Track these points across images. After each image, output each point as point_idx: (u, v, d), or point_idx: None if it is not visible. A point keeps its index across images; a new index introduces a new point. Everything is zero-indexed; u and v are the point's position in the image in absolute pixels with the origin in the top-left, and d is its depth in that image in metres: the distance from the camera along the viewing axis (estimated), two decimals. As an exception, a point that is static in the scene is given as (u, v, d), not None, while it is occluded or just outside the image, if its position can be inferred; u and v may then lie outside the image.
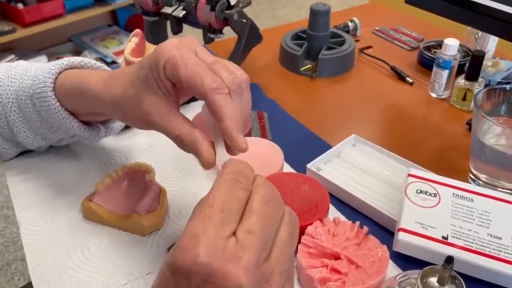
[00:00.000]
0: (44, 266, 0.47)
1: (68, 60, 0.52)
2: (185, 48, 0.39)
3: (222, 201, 0.31)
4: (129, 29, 2.46)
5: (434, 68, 0.75)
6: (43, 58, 2.03)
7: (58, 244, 0.50)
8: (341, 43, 0.86)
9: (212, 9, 0.67)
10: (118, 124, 0.60)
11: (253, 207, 0.32)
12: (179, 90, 0.42)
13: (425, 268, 0.37)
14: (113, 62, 2.23)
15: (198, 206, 0.32)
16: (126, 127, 0.67)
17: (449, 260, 0.35)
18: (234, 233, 0.31)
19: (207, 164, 0.39)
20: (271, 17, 3.14)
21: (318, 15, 0.82)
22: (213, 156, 0.40)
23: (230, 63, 0.40)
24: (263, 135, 0.67)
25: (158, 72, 0.39)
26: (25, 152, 0.63)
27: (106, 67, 0.55)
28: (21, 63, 0.57)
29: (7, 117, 0.55)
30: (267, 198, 0.33)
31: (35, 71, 0.52)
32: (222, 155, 0.40)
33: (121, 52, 2.28)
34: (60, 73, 0.51)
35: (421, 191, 0.51)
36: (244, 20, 0.70)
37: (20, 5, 1.85)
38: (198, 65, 0.38)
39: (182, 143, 0.40)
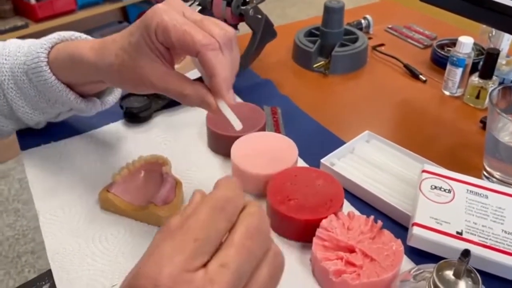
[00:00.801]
0: (63, 255, 0.48)
1: (59, 34, 0.54)
2: (172, 11, 0.40)
3: (199, 230, 0.28)
4: (139, 25, 2.47)
5: (448, 66, 0.75)
6: (55, 53, 2.05)
7: (76, 233, 0.51)
8: (354, 40, 0.86)
9: (228, 4, 0.68)
10: (113, 97, 0.61)
11: (233, 239, 0.28)
12: (173, 52, 0.43)
13: (441, 262, 0.38)
14: (124, 59, 2.24)
15: (171, 224, 0.29)
16: (141, 120, 0.68)
17: (466, 253, 0.35)
18: (205, 265, 0.27)
19: (216, 111, 0.42)
20: (281, 15, 3.14)
21: (332, 12, 0.82)
22: (216, 105, 0.42)
23: (218, 20, 0.42)
24: (277, 130, 0.67)
25: (150, 37, 0.41)
26: (43, 143, 0.64)
27: (92, 39, 0.56)
28: (14, 41, 0.58)
29: (5, 95, 0.56)
30: (251, 231, 0.29)
31: (28, 47, 0.54)
32: (223, 107, 0.43)
33: (132, 48, 2.29)
34: (52, 47, 0.52)
35: (435, 187, 0.52)
36: (259, 16, 0.70)
37: (32, 1, 1.87)
38: (187, 25, 0.39)
39: (188, 98, 0.42)
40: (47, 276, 0.45)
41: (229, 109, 0.43)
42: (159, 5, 0.41)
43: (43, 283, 0.45)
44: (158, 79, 0.42)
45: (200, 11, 0.72)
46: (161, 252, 0.27)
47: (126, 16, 2.52)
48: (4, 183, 1.77)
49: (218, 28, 0.40)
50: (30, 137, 0.64)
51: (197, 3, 0.72)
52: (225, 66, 0.40)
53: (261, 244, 0.29)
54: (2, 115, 0.59)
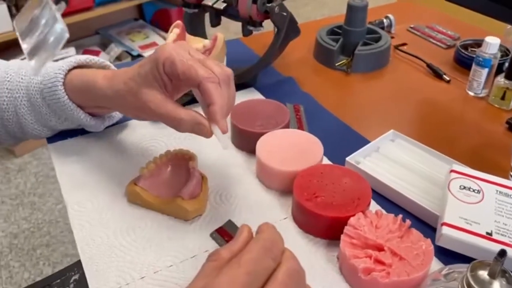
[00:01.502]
0: (92, 246, 0.49)
1: (76, 58, 0.59)
2: (180, 49, 0.47)
3: (251, 265, 0.33)
4: (155, 23, 2.49)
5: (473, 66, 0.74)
6: (71, 50, 2.06)
7: (105, 225, 0.51)
8: (377, 39, 0.86)
9: (254, 1, 0.68)
10: (118, 113, 0.66)
11: (277, 276, 0.34)
12: (174, 86, 0.49)
13: (475, 262, 0.37)
14: (139, 56, 2.26)
15: (221, 256, 0.34)
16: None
17: (502, 253, 0.35)
18: None
19: (208, 133, 0.46)
20: (294, 14, 3.13)
21: (355, 11, 0.82)
22: (210, 128, 0.46)
23: (218, 62, 0.48)
24: (300, 128, 0.67)
25: (158, 68, 0.46)
26: (70, 136, 0.64)
27: (110, 65, 0.61)
28: (27, 63, 0.61)
29: (16, 111, 0.59)
30: (292, 272, 0.35)
31: (45, 69, 0.58)
32: (216, 131, 0.46)
33: (147, 46, 2.30)
34: (69, 70, 0.57)
35: (464, 187, 0.51)
36: (285, 13, 0.70)
37: (51, -3, 1.88)
38: (191, 60, 0.46)
39: (181, 122, 0.46)
40: (76, 266, 0.46)
41: (221, 133, 0.46)
42: (169, 43, 0.48)
43: (73, 273, 0.46)
44: (156, 105, 0.47)
45: (225, 8, 0.72)
46: (216, 282, 0.31)
47: (142, 13, 2.53)
48: (20, 176, 1.79)
49: (218, 67, 0.46)
50: (58, 132, 0.65)
51: (222, 0, 0.72)
52: (222, 97, 0.45)
53: (298, 283, 0.36)
54: (6, 131, 0.61)
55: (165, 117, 0.47)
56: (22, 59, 0.62)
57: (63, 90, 0.56)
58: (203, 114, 0.47)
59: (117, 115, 0.66)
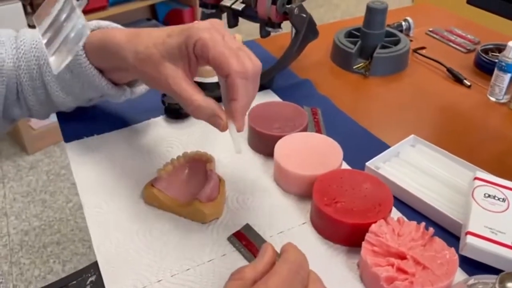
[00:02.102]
0: (108, 247, 0.48)
1: (98, 22, 0.57)
2: (215, 31, 0.43)
3: None
4: (167, 23, 2.49)
5: (495, 71, 0.73)
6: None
7: (121, 226, 0.51)
8: (396, 42, 0.84)
9: (273, 3, 0.67)
10: (143, 87, 0.63)
11: None
12: (195, 65, 0.46)
13: (503, 273, 0.36)
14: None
15: (246, 276, 0.34)
16: (182, 116, 0.68)
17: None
18: None
19: (225, 127, 0.44)
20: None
21: (374, 13, 0.81)
22: (227, 123, 0.44)
23: (251, 53, 0.44)
24: (318, 131, 0.66)
25: (187, 46, 0.43)
26: (87, 136, 0.64)
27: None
28: None
29: (43, 78, 0.58)
30: None
31: None
32: (232, 127, 0.45)
33: (159, 45, 2.30)
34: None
35: (489, 195, 0.50)
36: (304, 15, 0.69)
37: (65, -4, 1.90)
38: (225, 48, 0.42)
39: (199, 108, 0.44)
40: (93, 268, 0.45)
41: (236, 134, 0.45)
42: (204, 22, 0.44)
43: (89, 275, 0.45)
44: (175, 82, 0.44)
45: (244, 9, 0.71)
46: None
47: (155, 13, 2.54)
48: (32, 174, 1.80)
49: (249, 60, 0.43)
50: (74, 130, 0.65)
51: (241, 0, 0.71)
52: (247, 94, 0.43)
53: None
54: (37, 100, 0.61)
55: (183, 98, 0.44)
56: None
57: (84, 55, 0.54)
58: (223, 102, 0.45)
59: (138, 91, 0.63)
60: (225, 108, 0.45)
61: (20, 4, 1.76)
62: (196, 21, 0.45)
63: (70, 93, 0.60)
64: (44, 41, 0.49)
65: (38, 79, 0.58)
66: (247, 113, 0.50)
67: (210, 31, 0.43)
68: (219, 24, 0.45)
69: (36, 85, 0.59)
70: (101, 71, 0.56)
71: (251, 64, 0.43)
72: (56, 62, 0.47)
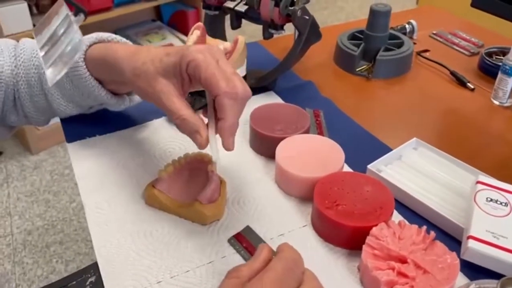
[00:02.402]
0: (109, 248, 0.48)
1: (98, 34, 0.58)
2: (209, 54, 0.46)
3: (274, 285, 0.34)
4: (172, 25, 2.50)
5: (499, 75, 0.72)
6: (89, 49, 2.09)
7: (122, 227, 0.51)
8: (399, 45, 0.84)
9: (276, 5, 0.67)
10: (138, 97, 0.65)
11: None
12: (187, 85, 0.48)
13: (504, 278, 0.36)
14: (155, 57, 2.27)
15: (242, 274, 0.35)
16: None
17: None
18: None
19: (202, 144, 0.45)
20: (311, 18, 3.12)
21: (378, 16, 0.81)
22: (207, 139, 0.46)
23: (242, 78, 0.46)
24: (320, 133, 0.66)
25: (181, 65, 0.46)
26: (89, 136, 0.64)
27: (130, 43, 0.60)
28: None
29: (43, 86, 0.60)
30: None
31: None
32: (213, 141, 0.47)
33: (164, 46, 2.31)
34: (90, 46, 0.56)
35: (491, 199, 0.50)
36: (307, 17, 0.69)
37: (71, -3, 1.90)
38: (216, 70, 0.45)
39: (184, 122, 0.45)
40: (93, 268, 0.45)
41: (217, 148, 0.46)
42: (202, 45, 0.47)
43: (89, 275, 0.45)
44: (166, 97, 0.46)
45: (247, 10, 0.71)
46: None
47: (160, 15, 2.55)
48: (36, 173, 1.81)
49: (241, 84, 0.45)
50: (76, 130, 0.65)
51: (244, 2, 0.71)
52: (234, 115, 0.45)
53: None
54: (35, 107, 0.62)
55: (171, 111, 0.46)
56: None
57: (84, 66, 0.56)
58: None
59: (136, 99, 0.65)
60: (209, 126, 0.47)
61: (25, 5, 1.77)
62: (195, 45, 0.47)
63: (71, 101, 0.61)
64: (42, 53, 0.50)
65: (36, 86, 0.60)
66: (249, 118, 0.51)
67: (204, 53, 0.45)
68: (216, 48, 0.47)
69: (33, 93, 0.60)
70: (100, 82, 0.58)
71: (242, 87, 0.45)
72: (52, 75, 0.49)
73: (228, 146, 0.45)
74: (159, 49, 0.49)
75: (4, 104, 0.60)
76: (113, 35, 0.60)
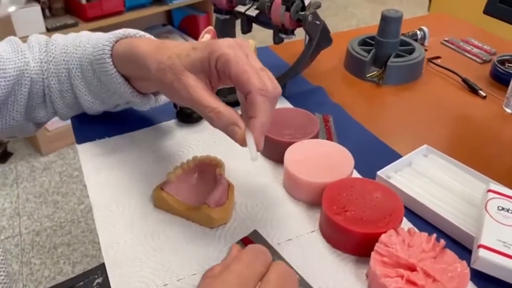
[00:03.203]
0: (116, 249, 0.48)
1: (125, 30, 0.57)
2: (238, 49, 0.44)
3: (242, 268, 0.36)
4: (182, 29, 2.51)
5: (512, 83, 0.72)
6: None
7: (130, 229, 0.51)
8: (410, 51, 0.84)
9: (287, 9, 0.67)
10: (164, 98, 0.64)
11: (269, 278, 0.36)
12: (216, 81, 0.46)
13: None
14: (166, 60, 2.28)
15: (215, 271, 0.37)
16: (193, 120, 0.68)
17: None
18: None
19: (241, 137, 0.43)
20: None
21: (389, 22, 0.80)
22: (244, 132, 0.43)
23: (272, 75, 0.45)
24: (329, 139, 0.66)
25: (209, 61, 0.44)
26: (99, 138, 0.65)
27: (156, 39, 0.58)
28: (86, 33, 0.62)
29: (71, 82, 0.60)
30: (282, 273, 0.38)
31: (96, 40, 0.58)
32: (250, 139, 0.43)
33: (174, 51, 2.33)
34: (117, 41, 0.56)
35: (502, 208, 0.49)
36: (318, 22, 0.69)
37: (83, 1, 1.92)
38: (248, 65, 0.43)
39: (219, 115, 0.43)
40: (100, 269, 0.45)
41: (254, 144, 0.43)
42: (230, 39, 0.45)
43: (96, 276, 0.45)
44: (195, 91, 0.44)
45: (258, 15, 0.71)
46: None
47: (170, 19, 2.57)
48: (45, 175, 1.82)
49: (271, 81, 0.44)
50: (86, 132, 0.66)
51: (255, 6, 0.72)
52: (266, 113, 0.43)
53: (291, 284, 0.38)
54: (64, 102, 0.62)
55: (203, 105, 0.43)
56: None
57: (111, 62, 0.55)
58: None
59: (163, 99, 0.64)
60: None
61: (39, 8, 1.80)
62: (223, 39, 0.45)
63: (98, 98, 0.61)
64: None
65: (65, 82, 0.60)
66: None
67: (234, 48, 0.43)
68: (245, 43, 0.45)
69: (63, 88, 0.61)
70: (127, 79, 0.57)
71: (272, 85, 0.44)
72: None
73: (259, 145, 0.43)
74: (185, 44, 0.47)
75: (31, 100, 0.61)
76: (141, 32, 0.59)
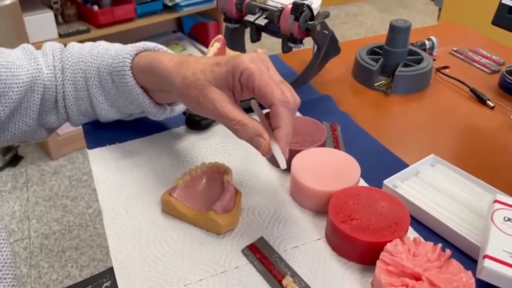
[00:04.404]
0: (125, 254, 0.49)
1: (144, 43, 0.59)
2: (260, 63, 0.46)
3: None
4: (192, 36, 2.54)
5: (520, 93, 0.72)
6: (111, 58, 2.13)
7: (138, 234, 0.51)
8: (419, 61, 0.84)
9: (296, 19, 0.68)
10: (181, 106, 0.66)
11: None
12: (239, 93, 0.48)
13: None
14: (175, 67, 2.30)
15: None
16: (202, 127, 0.69)
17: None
18: None
19: (266, 147, 0.45)
20: (331, 33, 3.13)
21: (398, 32, 0.81)
22: (269, 144, 0.45)
23: (291, 87, 0.47)
24: (336, 147, 0.66)
25: (233, 75, 0.46)
26: (109, 143, 0.66)
27: (175, 53, 0.59)
28: (103, 43, 0.63)
29: (88, 90, 0.61)
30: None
31: (115, 51, 0.59)
32: (276, 148, 0.45)
33: (184, 57, 2.35)
34: (137, 54, 0.57)
35: (508, 219, 0.49)
36: (326, 32, 0.70)
37: (95, 7, 1.95)
38: (270, 79, 0.45)
39: (245, 127, 0.45)
40: (109, 273, 0.46)
41: (280, 152, 0.45)
42: (251, 54, 0.47)
43: (104, 280, 0.46)
44: (221, 105, 0.46)
45: (267, 24, 0.72)
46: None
47: (181, 26, 2.59)
48: (55, 178, 1.84)
49: (291, 93, 0.46)
50: (97, 137, 0.67)
51: (264, 16, 0.73)
52: (289, 124, 0.45)
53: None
54: (78, 110, 0.64)
55: (229, 118, 0.45)
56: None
57: (131, 75, 0.56)
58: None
59: (177, 109, 0.65)
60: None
61: (52, 14, 1.83)
62: (244, 54, 0.47)
63: (114, 106, 0.63)
64: None
65: (82, 90, 0.62)
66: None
67: (256, 62, 0.45)
68: (265, 56, 0.48)
69: (79, 96, 0.62)
70: (145, 90, 0.58)
71: (292, 96, 0.45)
72: None
73: (286, 154, 0.45)
74: (208, 59, 0.49)
75: (43, 105, 0.62)
76: (159, 45, 0.60)
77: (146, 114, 0.63)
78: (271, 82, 0.44)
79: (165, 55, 0.54)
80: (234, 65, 0.46)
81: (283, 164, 0.45)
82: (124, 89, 0.58)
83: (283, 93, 0.44)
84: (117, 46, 0.61)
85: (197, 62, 0.49)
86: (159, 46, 0.60)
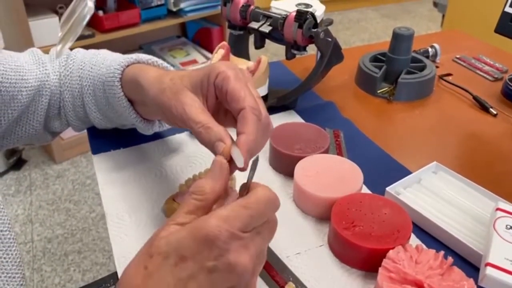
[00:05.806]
0: (129, 258, 0.49)
1: (137, 55, 0.58)
2: (239, 72, 0.45)
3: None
4: (196, 41, 2.55)
5: (523, 101, 0.72)
6: (116, 63, 2.15)
7: (142, 239, 0.52)
8: (421, 68, 0.84)
9: (300, 26, 0.68)
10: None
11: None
12: (212, 99, 0.46)
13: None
14: (179, 72, 2.31)
15: (210, 204, 0.40)
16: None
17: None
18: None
19: (225, 152, 0.41)
20: (334, 38, 3.14)
21: (401, 39, 0.81)
22: (230, 149, 0.41)
23: (265, 108, 0.45)
24: (339, 154, 0.67)
25: (209, 77, 0.45)
26: (113, 149, 0.66)
27: (171, 68, 0.60)
28: (103, 52, 0.64)
29: (83, 98, 0.62)
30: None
31: (110, 61, 0.59)
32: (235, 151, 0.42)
33: (188, 63, 2.36)
34: (128, 65, 0.57)
35: (511, 227, 0.49)
36: (329, 39, 0.71)
37: (100, 12, 1.97)
38: (246, 86, 0.43)
39: (208, 130, 0.42)
40: (112, 278, 0.46)
41: (240, 154, 0.41)
42: (232, 64, 0.46)
43: (108, 285, 0.46)
44: (190, 109, 0.44)
45: (271, 31, 0.73)
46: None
47: (185, 31, 2.61)
48: (58, 182, 1.85)
49: (265, 110, 0.44)
50: (102, 143, 0.67)
51: (268, 23, 0.73)
52: (256, 133, 0.42)
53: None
54: (76, 116, 0.64)
55: (194, 121, 0.43)
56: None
57: (119, 86, 0.56)
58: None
59: (167, 124, 0.63)
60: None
61: (57, 19, 1.84)
62: (226, 61, 0.47)
63: (106, 116, 0.63)
64: (59, 34, 0.49)
65: (78, 98, 0.62)
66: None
67: (235, 70, 0.45)
68: (247, 72, 0.47)
69: (76, 103, 0.63)
70: (132, 103, 0.58)
71: (266, 113, 0.44)
72: (60, 48, 0.47)
73: (245, 161, 0.41)
74: (187, 71, 0.48)
75: (49, 111, 0.63)
76: (154, 58, 0.59)
77: (136, 127, 0.62)
78: (244, 88, 0.43)
79: (152, 68, 0.53)
80: (212, 68, 0.45)
81: (240, 162, 0.41)
82: (113, 100, 0.58)
83: (256, 103, 0.43)
84: (114, 56, 0.61)
85: (180, 72, 0.48)
86: (154, 58, 0.59)
